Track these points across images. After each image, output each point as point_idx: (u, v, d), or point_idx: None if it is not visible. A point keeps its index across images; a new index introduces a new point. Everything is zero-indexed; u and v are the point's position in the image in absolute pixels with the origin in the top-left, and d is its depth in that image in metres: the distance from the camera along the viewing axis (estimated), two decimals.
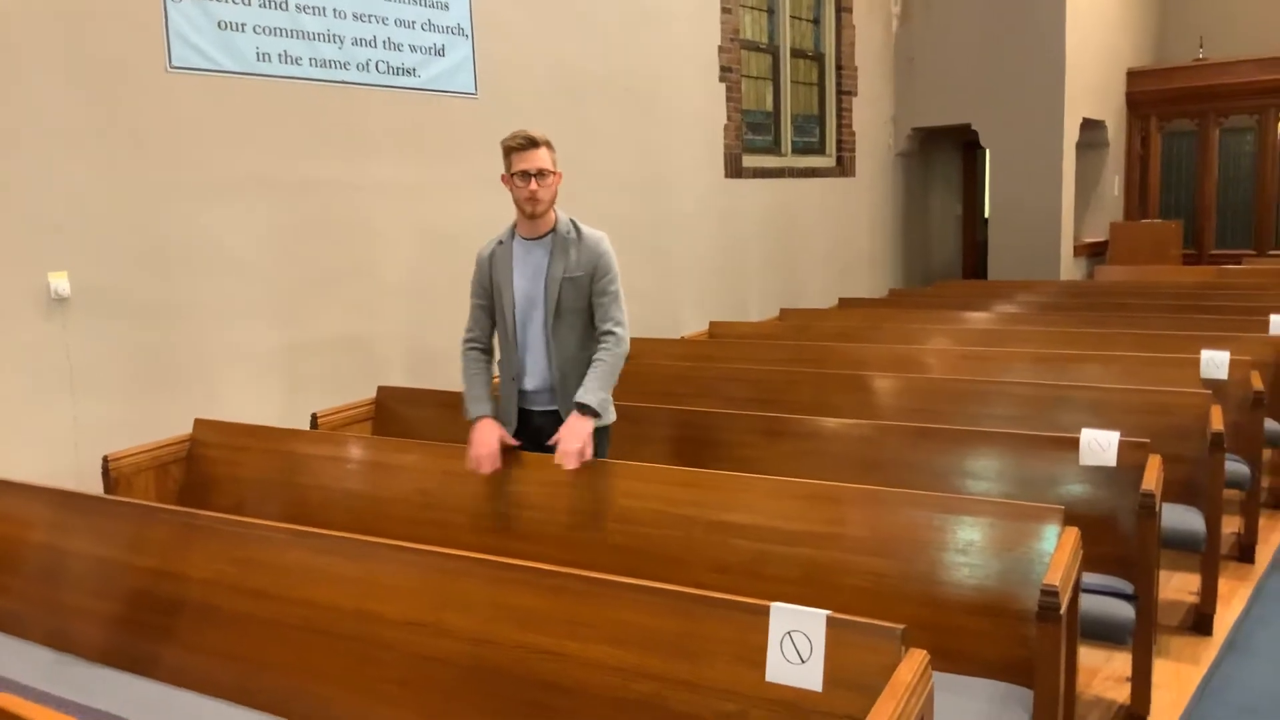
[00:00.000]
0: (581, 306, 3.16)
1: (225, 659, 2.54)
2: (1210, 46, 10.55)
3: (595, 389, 3.06)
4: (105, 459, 3.53)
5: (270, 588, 2.50)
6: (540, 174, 3.05)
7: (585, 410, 3.03)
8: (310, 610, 2.43)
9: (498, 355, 3.30)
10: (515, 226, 3.23)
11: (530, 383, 3.20)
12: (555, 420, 3.15)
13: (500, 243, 3.23)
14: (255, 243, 4.44)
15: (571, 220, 3.21)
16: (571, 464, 2.94)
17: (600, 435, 3.18)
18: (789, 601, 1.91)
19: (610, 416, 3.17)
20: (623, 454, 3.34)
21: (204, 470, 3.76)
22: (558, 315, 3.12)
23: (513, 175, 3.08)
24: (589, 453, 2.99)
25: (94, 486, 3.53)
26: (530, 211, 3.09)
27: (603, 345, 3.14)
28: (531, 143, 3.05)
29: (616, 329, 3.16)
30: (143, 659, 2.66)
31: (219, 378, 4.31)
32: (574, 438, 2.96)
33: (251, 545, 2.56)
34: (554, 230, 3.17)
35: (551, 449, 3.06)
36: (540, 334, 3.15)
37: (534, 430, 3.21)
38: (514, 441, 3.15)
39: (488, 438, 3.09)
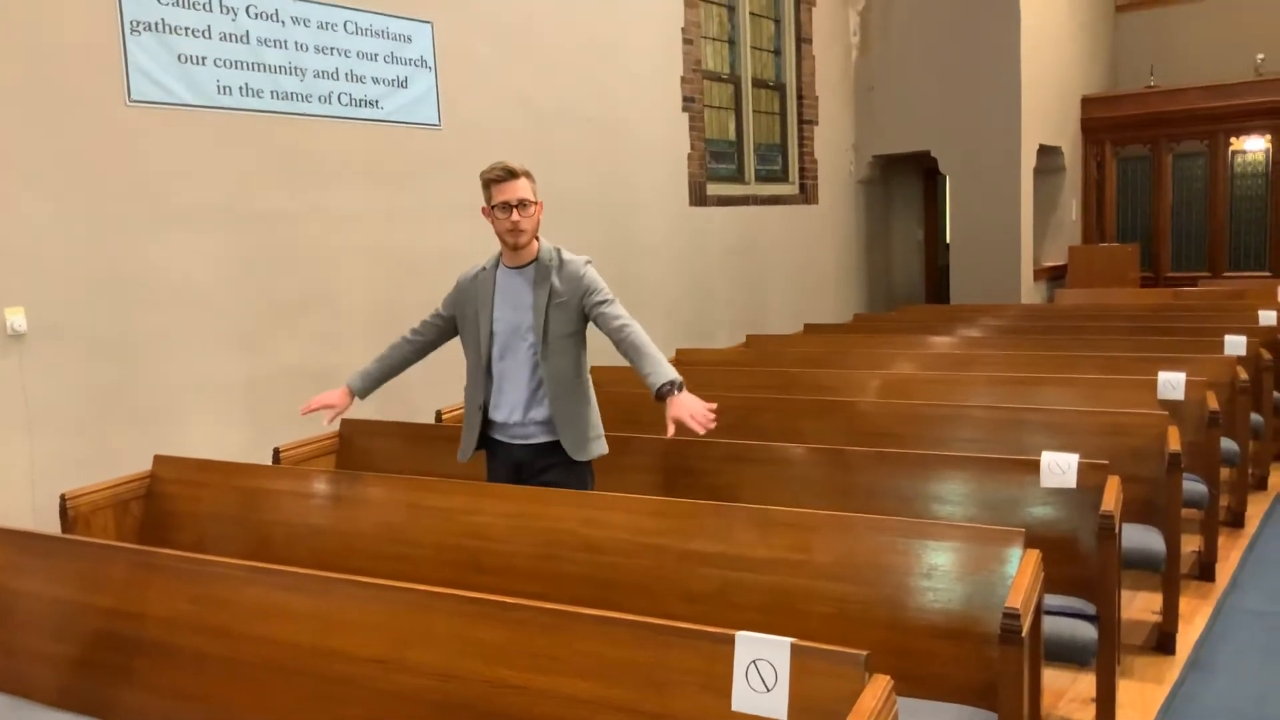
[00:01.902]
0: (571, 331, 3.14)
1: (185, 700, 2.49)
2: (1160, 74, 10.81)
3: (662, 362, 2.99)
4: (63, 497, 3.46)
5: (230, 626, 2.46)
6: (521, 204, 3.03)
7: (676, 385, 2.92)
8: (271, 648, 2.39)
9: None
10: (500, 255, 3.22)
11: (505, 415, 3.16)
12: (548, 453, 3.10)
13: (484, 269, 3.22)
14: (216, 275, 4.41)
15: (556, 248, 3.19)
16: (709, 423, 2.83)
17: (584, 469, 3.17)
18: (757, 630, 1.91)
19: (602, 449, 3.17)
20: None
21: (164, 507, 3.70)
22: (547, 344, 3.10)
23: (493, 207, 3.06)
24: (707, 413, 2.86)
25: (51, 525, 3.46)
26: (513, 243, 3.08)
27: (630, 332, 3.06)
28: (510, 174, 3.03)
29: (630, 319, 3.11)
30: (101, 702, 2.60)
31: (180, 412, 4.26)
32: (690, 407, 2.85)
33: (210, 583, 2.51)
34: (536, 259, 3.15)
35: (534, 484, 3.06)
36: (525, 365, 3.12)
37: (515, 465, 3.18)
38: (338, 404, 3.29)
39: (326, 396, 3.29)
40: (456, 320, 3.26)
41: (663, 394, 2.94)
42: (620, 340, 3.09)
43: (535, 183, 3.11)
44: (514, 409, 3.15)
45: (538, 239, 3.17)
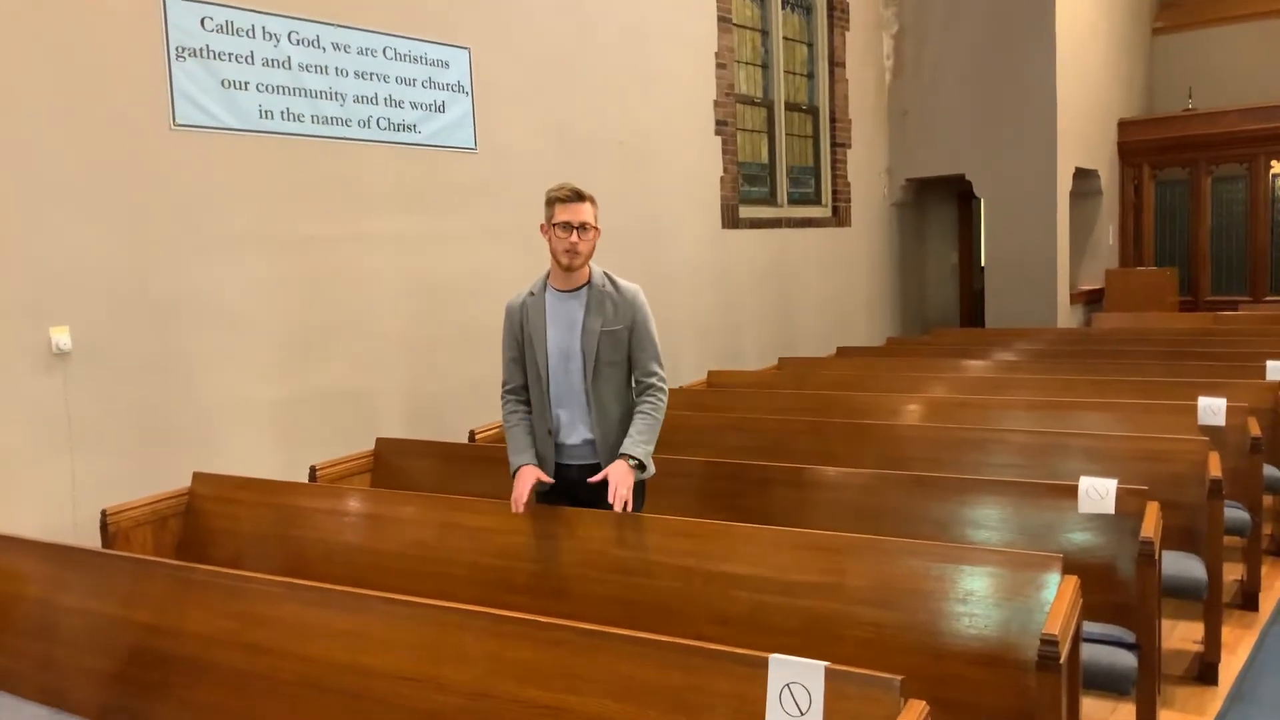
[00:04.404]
0: (619, 359, 3.15)
1: (221, 714, 2.51)
2: (1198, 97, 10.71)
3: (641, 441, 3.08)
4: (103, 513, 3.52)
5: (265, 642, 2.49)
6: (582, 227, 3.04)
7: (632, 461, 3.04)
8: (305, 665, 2.41)
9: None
10: (548, 278, 3.20)
11: (567, 437, 3.16)
12: (593, 473, 3.11)
13: (531, 294, 3.20)
14: (255, 297, 4.48)
15: (605, 273, 3.20)
16: (618, 507, 2.93)
17: (638, 489, 3.14)
18: (789, 653, 1.91)
19: (650, 470, 3.16)
20: None
21: (202, 524, 3.75)
22: (596, 370, 3.11)
23: (554, 225, 3.06)
24: (630, 503, 2.97)
25: (92, 541, 3.52)
26: (567, 264, 3.07)
27: (646, 398, 3.15)
28: (578, 196, 3.06)
29: (659, 381, 3.18)
30: (138, 716, 2.64)
31: (218, 431, 4.32)
32: (624, 486, 2.96)
33: (246, 599, 2.54)
34: (589, 283, 3.15)
35: (589, 503, 3.06)
36: (578, 388, 3.13)
37: (570, 485, 3.18)
38: (548, 479, 3.13)
39: (525, 481, 3.09)
40: (522, 347, 3.22)
41: (619, 457, 3.06)
42: (640, 398, 3.17)
43: (598, 209, 3.13)
44: (569, 431, 3.16)
45: (589, 263, 3.17)
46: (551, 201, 3.08)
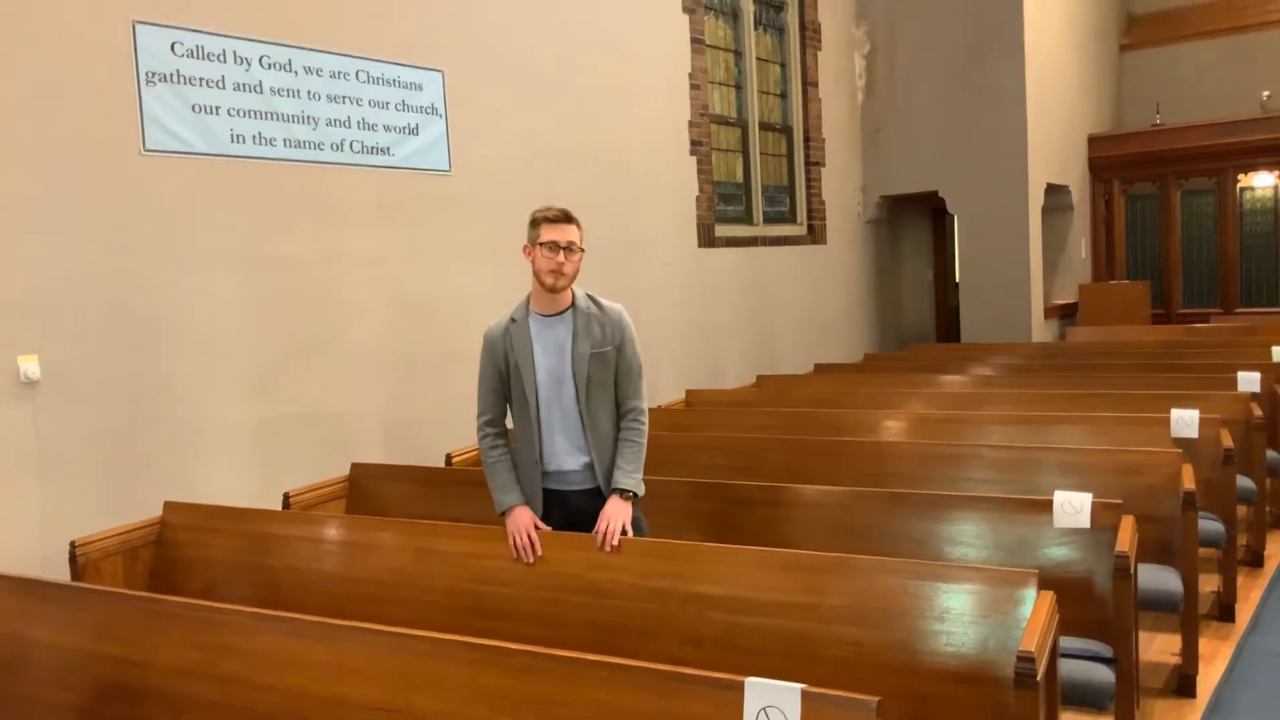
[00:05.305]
0: (608, 380, 3.13)
1: None
2: (1167, 112, 10.86)
3: (631, 471, 3.09)
4: (72, 544, 3.47)
5: (238, 674, 2.45)
6: (569, 248, 3.03)
7: (625, 494, 3.05)
8: (279, 696, 2.38)
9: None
10: (529, 303, 3.17)
11: (560, 463, 3.12)
12: (597, 496, 3.10)
13: (513, 320, 3.15)
14: (227, 321, 4.44)
15: (589, 295, 3.18)
16: (609, 543, 2.93)
17: (638, 519, 3.14)
18: (767, 675, 1.90)
19: (640, 493, 3.14)
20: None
21: (174, 554, 3.70)
22: (589, 391, 3.09)
23: (540, 245, 3.03)
24: (622, 535, 2.97)
25: (61, 572, 3.46)
26: (551, 284, 3.04)
27: (630, 425, 3.15)
28: (566, 217, 3.05)
29: (641, 405, 3.18)
30: None
31: (191, 458, 4.27)
32: (619, 520, 2.97)
33: (218, 630, 2.51)
34: (574, 306, 3.13)
35: (590, 529, 3.03)
36: (571, 412, 3.10)
37: (573, 510, 3.13)
38: (544, 526, 3.08)
39: (525, 524, 3.04)
40: (505, 377, 3.17)
41: (613, 492, 3.07)
42: (622, 424, 3.17)
43: (583, 232, 3.12)
44: (564, 457, 3.12)
45: (571, 286, 3.14)
46: (537, 222, 3.06)
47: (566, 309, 3.13)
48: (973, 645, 2.44)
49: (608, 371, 3.13)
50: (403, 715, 2.21)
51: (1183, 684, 3.63)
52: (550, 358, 3.11)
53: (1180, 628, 3.65)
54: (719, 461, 4.52)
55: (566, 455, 3.13)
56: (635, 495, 3.09)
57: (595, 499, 3.10)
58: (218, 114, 4.42)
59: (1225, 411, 4.67)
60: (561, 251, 3.02)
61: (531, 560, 3.00)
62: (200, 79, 4.36)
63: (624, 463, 3.10)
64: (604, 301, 3.19)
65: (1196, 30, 11.18)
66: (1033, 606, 2.37)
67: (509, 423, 3.26)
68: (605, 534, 2.95)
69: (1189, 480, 3.60)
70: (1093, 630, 2.96)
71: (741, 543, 2.95)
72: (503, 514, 3.11)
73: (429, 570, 3.19)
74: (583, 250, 3.10)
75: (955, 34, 9.04)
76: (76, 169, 3.95)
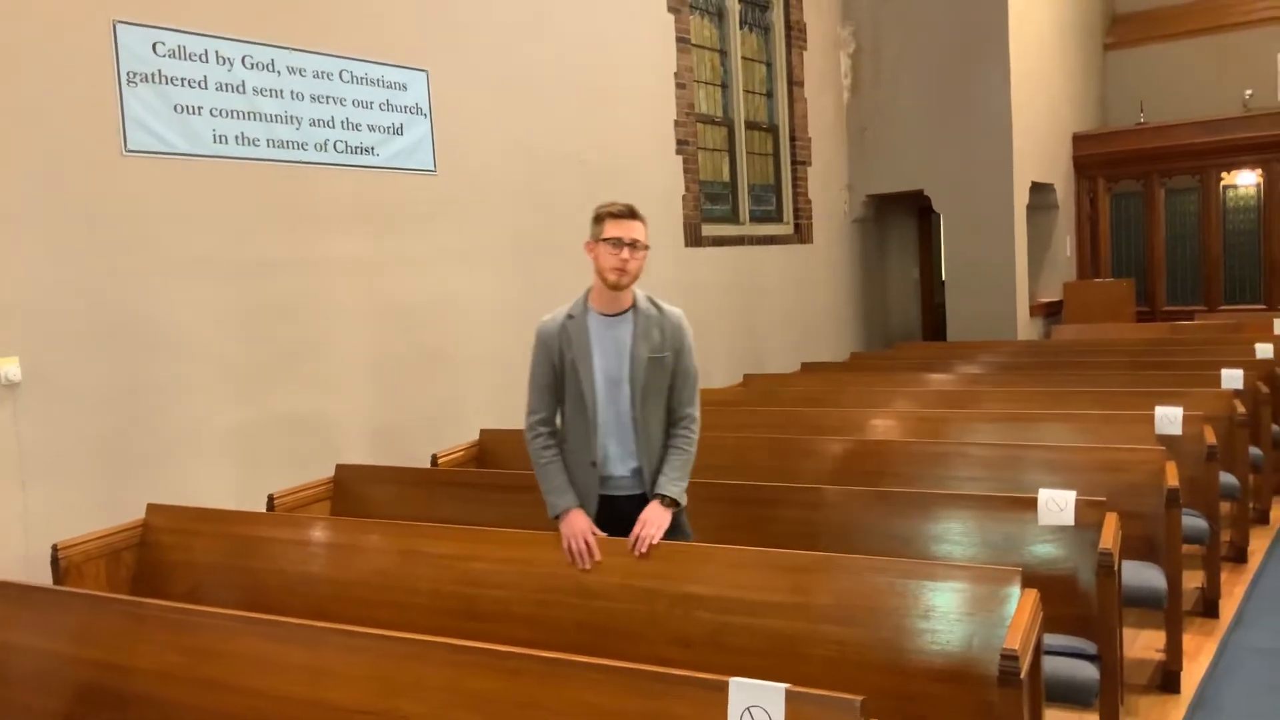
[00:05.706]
0: (662, 386, 3.03)
1: None
2: (1150, 111, 10.92)
3: (677, 479, 2.99)
4: (54, 547, 3.44)
5: (221, 677, 2.44)
6: (634, 244, 2.92)
7: (667, 501, 2.96)
8: (262, 700, 2.36)
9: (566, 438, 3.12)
10: (586, 300, 3.06)
11: (613, 468, 3.03)
12: (642, 504, 2.99)
13: (571, 316, 3.03)
14: (211, 323, 4.41)
15: (649, 296, 3.08)
16: (642, 548, 2.85)
17: (678, 524, 3.05)
18: (755, 674, 1.90)
19: (683, 500, 3.05)
20: None
21: (158, 557, 3.68)
22: (645, 395, 2.99)
23: (603, 241, 2.93)
24: (654, 540, 2.88)
25: (43, 576, 3.44)
26: (614, 282, 2.93)
27: (681, 433, 3.06)
28: (631, 213, 2.94)
29: (695, 413, 3.10)
30: None
31: (174, 460, 4.24)
32: (656, 526, 2.88)
33: (200, 634, 2.49)
34: (635, 307, 3.03)
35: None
36: (625, 417, 2.99)
37: (621, 515, 3.00)
38: (599, 532, 2.97)
39: (582, 529, 2.93)
40: (560, 375, 3.04)
41: (654, 497, 2.98)
42: (673, 431, 3.07)
43: (648, 229, 3.02)
44: (617, 462, 3.03)
45: (632, 286, 3.04)
46: (601, 217, 2.96)
47: (627, 309, 3.03)
48: (958, 643, 2.44)
49: (664, 377, 3.03)
50: (387, 718, 2.20)
51: (1167, 680, 3.64)
52: (608, 359, 3.00)
53: (1164, 624, 3.66)
54: (705, 461, 4.46)
55: (617, 460, 3.02)
56: (677, 504, 2.99)
57: (642, 506, 2.99)
58: (200, 114, 4.40)
59: (1209, 408, 4.70)
60: (626, 248, 2.91)
61: (588, 566, 2.89)
62: (182, 79, 4.33)
63: (670, 470, 3.00)
64: (664, 305, 3.09)
65: (1180, 29, 11.24)
66: (1017, 604, 2.38)
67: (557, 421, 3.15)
68: (638, 538, 2.86)
69: (1173, 477, 3.62)
70: (1077, 627, 2.97)
71: (728, 542, 2.94)
72: (555, 517, 2.99)
73: (415, 572, 3.18)
74: (647, 248, 3.00)
75: (940, 33, 9.07)
76: (57, 170, 3.91)
